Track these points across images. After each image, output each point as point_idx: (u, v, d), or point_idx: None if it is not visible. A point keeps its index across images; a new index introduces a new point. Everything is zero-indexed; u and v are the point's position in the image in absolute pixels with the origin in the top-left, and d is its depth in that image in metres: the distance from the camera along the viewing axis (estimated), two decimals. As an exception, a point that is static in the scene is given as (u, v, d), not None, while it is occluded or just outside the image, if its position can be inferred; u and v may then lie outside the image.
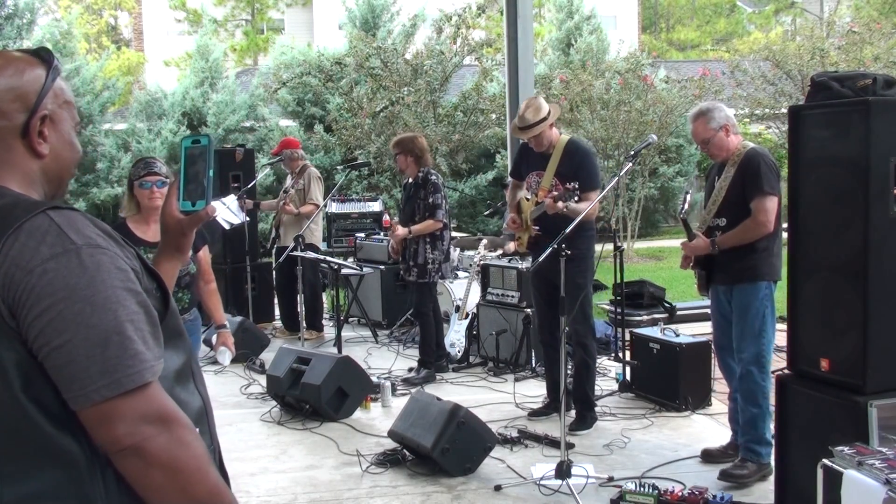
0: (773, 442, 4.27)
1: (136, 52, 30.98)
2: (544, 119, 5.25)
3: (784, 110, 13.59)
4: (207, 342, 7.67)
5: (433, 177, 6.58)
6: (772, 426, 4.33)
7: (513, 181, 5.73)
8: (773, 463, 4.18)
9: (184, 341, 1.54)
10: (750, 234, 4.31)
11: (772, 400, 4.22)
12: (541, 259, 4.47)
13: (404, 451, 4.87)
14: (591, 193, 5.14)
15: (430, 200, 6.47)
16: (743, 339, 4.41)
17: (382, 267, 8.56)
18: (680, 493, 4.08)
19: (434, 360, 6.72)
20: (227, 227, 8.22)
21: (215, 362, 7.42)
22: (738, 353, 4.43)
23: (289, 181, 8.53)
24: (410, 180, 6.66)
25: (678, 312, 7.93)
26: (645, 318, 7.76)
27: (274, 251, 8.39)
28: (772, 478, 3.97)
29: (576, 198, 4.87)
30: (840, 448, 2.97)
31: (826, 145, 3.57)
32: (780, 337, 4.39)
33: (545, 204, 5.06)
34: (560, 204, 4.89)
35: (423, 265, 6.53)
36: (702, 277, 4.59)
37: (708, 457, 4.77)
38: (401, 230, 6.47)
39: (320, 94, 16.72)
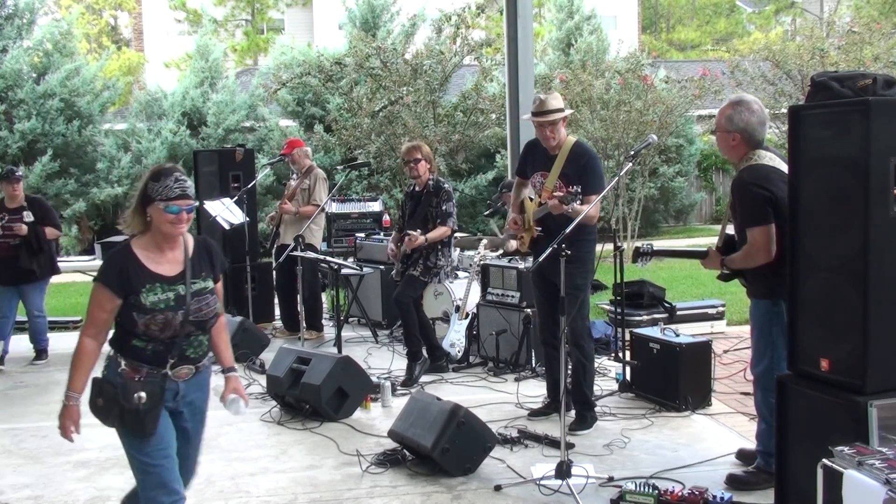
0: None
1: (136, 53, 31.00)
2: (562, 110, 5.30)
3: (784, 110, 13.58)
4: None
5: (446, 184, 6.70)
6: None
7: (518, 179, 5.71)
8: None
9: None
10: (749, 261, 4.23)
11: None
12: (541, 259, 4.47)
13: (404, 451, 4.86)
14: (593, 197, 5.12)
15: (444, 208, 6.56)
16: (754, 354, 4.42)
17: (382, 267, 8.56)
18: (680, 493, 4.08)
19: (421, 348, 6.71)
20: (227, 227, 8.23)
21: (215, 362, 7.45)
22: (752, 367, 4.44)
23: (293, 180, 8.53)
24: (418, 188, 6.68)
25: (678, 312, 7.93)
26: (645, 318, 7.76)
27: (274, 250, 8.40)
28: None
29: (578, 201, 4.88)
30: (840, 448, 2.97)
31: (826, 145, 3.56)
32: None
33: (550, 205, 5.06)
34: (565, 207, 4.88)
35: (431, 267, 6.58)
36: (743, 282, 4.56)
37: (743, 457, 4.74)
38: (421, 238, 6.48)
39: (320, 94, 16.73)
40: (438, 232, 6.54)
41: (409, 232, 6.52)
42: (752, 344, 4.43)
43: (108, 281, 3.16)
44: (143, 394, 3.15)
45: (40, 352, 7.90)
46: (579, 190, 4.93)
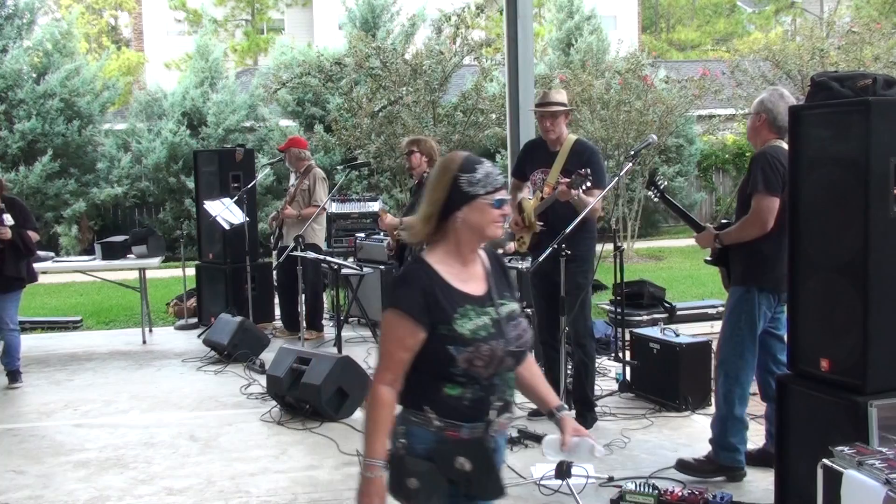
0: (738, 448, 4.38)
1: (136, 53, 30.99)
2: (565, 105, 5.40)
3: (784, 110, 13.55)
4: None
5: None
6: (745, 434, 4.42)
7: (514, 181, 5.71)
8: (743, 469, 4.40)
9: None
10: (747, 230, 4.28)
11: (757, 409, 4.33)
12: (541, 259, 4.47)
13: (404, 451, 4.85)
14: (597, 191, 5.17)
15: None
16: (719, 338, 4.50)
17: (382, 267, 8.55)
18: (680, 493, 4.08)
19: None
20: (227, 227, 8.24)
21: (215, 362, 7.47)
22: (716, 352, 4.53)
23: (292, 180, 8.53)
24: (416, 182, 6.71)
25: (678, 312, 7.93)
26: (645, 318, 7.75)
27: (276, 251, 8.40)
28: (772, 478, 3.98)
29: (588, 183, 4.95)
30: (840, 448, 2.97)
31: (826, 145, 3.56)
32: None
33: (558, 191, 5.07)
34: (574, 192, 4.92)
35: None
36: (723, 273, 4.60)
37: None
38: (390, 218, 6.50)
39: (320, 94, 16.72)
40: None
41: (382, 212, 6.56)
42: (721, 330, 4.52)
43: (409, 307, 2.42)
44: (465, 460, 2.41)
45: (14, 373, 6.99)
46: (588, 172, 4.97)
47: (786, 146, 4.32)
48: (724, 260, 4.48)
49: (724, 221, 4.54)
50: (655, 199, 4.81)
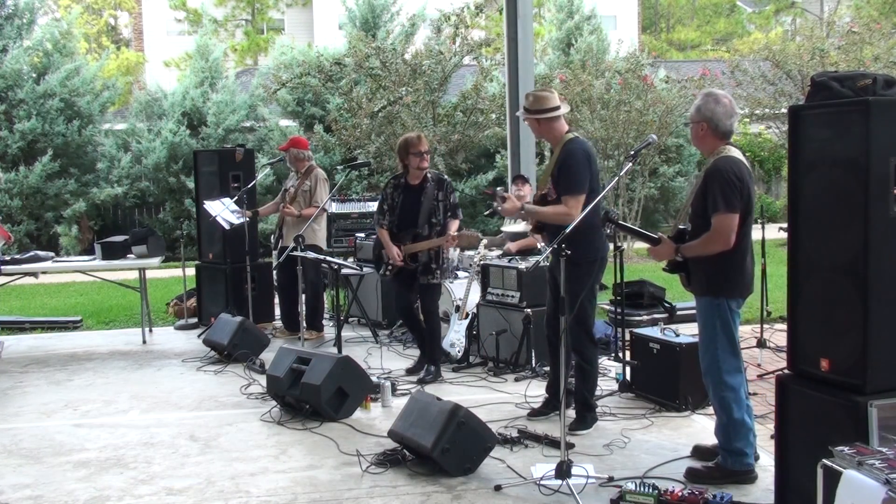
0: (746, 452, 4.36)
1: (136, 52, 31.01)
2: (540, 111, 5.25)
3: (784, 110, 13.60)
4: (210, 343, 7.68)
5: (446, 177, 6.73)
6: (750, 436, 4.39)
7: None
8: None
9: None
10: (709, 248, 4.26)
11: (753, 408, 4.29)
12: (539, 260, 4.48)
13: (404, 451, 4.87)
14: (568, 199, 5.12)
15: (451, 200, 6.57)
16: (699, 349, 4.52)
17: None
18: (680, 493, 4.08)
19: (441, 356, 6.76)
20: (227, 227, 8.23)
21: (215, 362, 7.47)
22: (700, 363, 4.52)
23: (290, 180, 8.53)
24: (412, 181, 6.60)
25: (678, 312, 7.93)
26: (645, 318, 7.76)
27: (277, 251, 8.39)
28: (772, 478, 3.98)
29: (503, 203, 5.25)
30: (840, 448, 2.97)
31: (826, 145, 3.56)
32: (780, 338, 4.38)
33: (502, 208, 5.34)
34: (500, 205, 5.29)
35: (445, 267, 6.68)
36: (683, 278, 4.60)
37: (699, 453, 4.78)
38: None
39: (320, 94, 16.73)
40: (457, 225, 6.52)
41: (452, 234, 6.36)
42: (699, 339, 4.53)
43: None
44: None
45: None
46: (501, 190, 5.37)
47: (736, 153, 4.34)
48: (681, 267, 4.48)
49: (681, 227, 4.49)
50: (610, 231, 4.86)
